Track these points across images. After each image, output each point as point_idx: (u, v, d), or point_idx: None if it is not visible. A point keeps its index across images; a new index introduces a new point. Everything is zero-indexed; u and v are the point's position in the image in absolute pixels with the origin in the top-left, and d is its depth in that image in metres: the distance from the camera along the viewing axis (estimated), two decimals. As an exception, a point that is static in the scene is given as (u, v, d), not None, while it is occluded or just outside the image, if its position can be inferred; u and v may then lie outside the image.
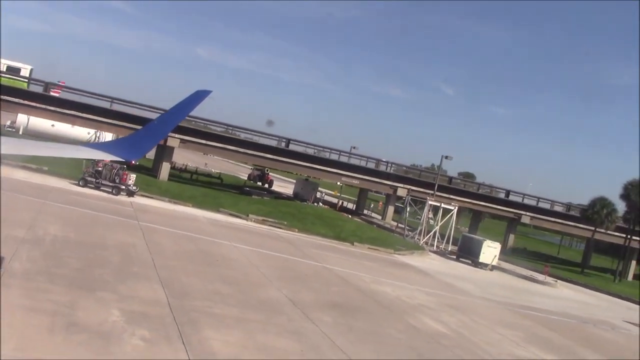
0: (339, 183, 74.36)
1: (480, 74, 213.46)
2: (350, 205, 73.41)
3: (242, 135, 68.18)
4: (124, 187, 36.81)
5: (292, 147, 64.78)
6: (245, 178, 78.25)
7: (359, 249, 38.29)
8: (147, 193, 39.39)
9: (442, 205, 50.28)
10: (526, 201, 73.46)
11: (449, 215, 50.39)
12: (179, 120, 8.70)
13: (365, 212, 73.05)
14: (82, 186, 36.21)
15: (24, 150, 9.43)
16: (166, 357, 12.55)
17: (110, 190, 36.26)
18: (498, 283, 38.34)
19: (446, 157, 57.95)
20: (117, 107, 56.68)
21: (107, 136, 75.58)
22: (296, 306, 19.10)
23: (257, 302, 18.81)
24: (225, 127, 66.21)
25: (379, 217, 67.02)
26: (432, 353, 17.57)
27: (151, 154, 72.58)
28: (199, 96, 7.83)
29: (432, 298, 26.73)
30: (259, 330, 15.72)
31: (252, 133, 65.28)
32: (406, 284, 28.80)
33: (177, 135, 57.56)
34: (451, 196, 65.14)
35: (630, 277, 71.94)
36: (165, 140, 57.54)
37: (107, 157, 8.34)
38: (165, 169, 57.11)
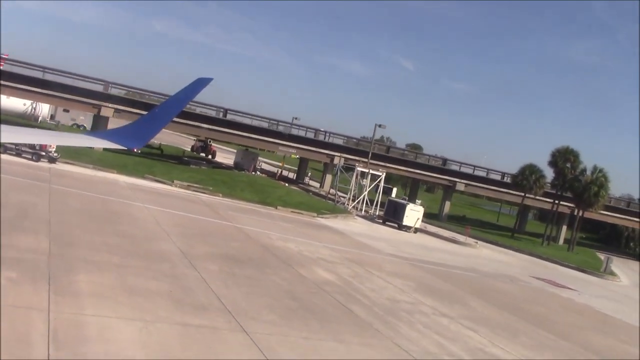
0: (276, 152, 75.02)
1: (439, 49, 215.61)
2: (292, 175, 74.48)
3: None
4: (44, 153, 36.89)
5: (230, 117, 65.22)
6: (189, 150, 78.44)
7: (281, 213, 39.35)
8: (74, 161, 39.49)
9: (371, 171, 51.60)
10: (463, 169, 75.81)
11: (377, 181, 51.82)
12: (181, 107, 8.44)
13: (307, 180, 74.27)
14: (2, 153, 36.16)
15: (22, 139, 9.37)
16: (26, 295, 13.28)
17: (31, 157, 36.34)
18: (415, 243, 39.99)
19: (380, 126, 59.16)
20: (62, 80, 56.72)
21: (44, 107, 74.73)
22: (185, 257, 20.00)
23: (145, 252, 19.61)
24: (164, 97, 66.12)
25: (318, 186, 68.35)
26: (308, 296, 18.70)
27: (88, 125, 72.35)
28: (200, 83, 7.84)
29: (336, 254, 27.95)
30: (134, 274, 16.55)
31: (190, 103, 65.43)
32: (315, 242, 29.99)
33: (110, 105, 57.52)
34: (388, 164, 66.85)
35: (561, 241, 75.25)
36: (99, 110, 57.55)
37: (109, 145, 7.88)
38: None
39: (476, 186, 73.34)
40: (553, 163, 66.98)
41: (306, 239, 30.53)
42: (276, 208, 40.19)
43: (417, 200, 57.36)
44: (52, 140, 10.44)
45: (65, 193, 27.70)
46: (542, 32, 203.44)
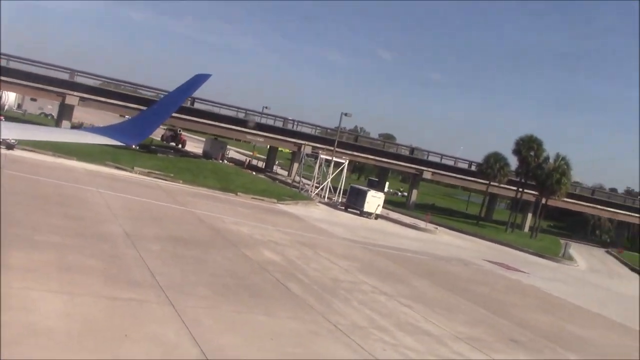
0: (242, 141, 75.37)
1: (417, 41, 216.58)
2: (263, 164, 74.88)
3: (150, 94, 68.23)
4: (1, 140, 36.75)
5: (199, 106, 65.28)
6: (159, 139, 78.36)
7: (241, 199, 39.74)
8: (33, 147, 39.38)
9: (334, 159, 52.17)
10: (431, 158, 76.86)
11: (339, 169, 52.43)
12: (179, 103, 8.42)
13: (275, 169, 74.65)
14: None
15: (24, 135, 9.45)
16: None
17: (-12, 143, 36.24)
18: (373, 228, 40.68)
19: (345, 115, 59.64)
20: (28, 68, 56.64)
21: (11, 96, 74.03)
22: (129, 238, 20.32)
23: (89, 233, 19.91)
24: (133, 86, 66.07)
25: (286, 174, 68.80)
26: (248, 274, 19.17)
27: (56, 114, 71.79)
28: (198, 79, 7.82)
29: (288, 237, 28.46)
30: (72, 253, 16.86)
31: (156, 91, 65.50)
32: (269, 226, 30.46)
33: (75, 93, 57.31)
34: (355, 153, 67.58)
35: (526, 229, 76.62)
36: (64, 98, 57.27)
37: (107, 142, 7.69)
38: (64, 127, 56.77)
39: (443, 174, 74.38)
40: (517, 151, 68.24)
41: (261, 223, 30.99)
42: (237, 195, 40.56)
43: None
44: (48, 136, 10.34)
45: (16, 178, 27.74)
46: (520, 24, 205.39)
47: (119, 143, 7.87)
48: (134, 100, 61.74)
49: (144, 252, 18.58)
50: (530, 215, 78.58)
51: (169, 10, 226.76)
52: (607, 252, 78.01)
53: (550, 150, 69.90)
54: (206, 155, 67.75)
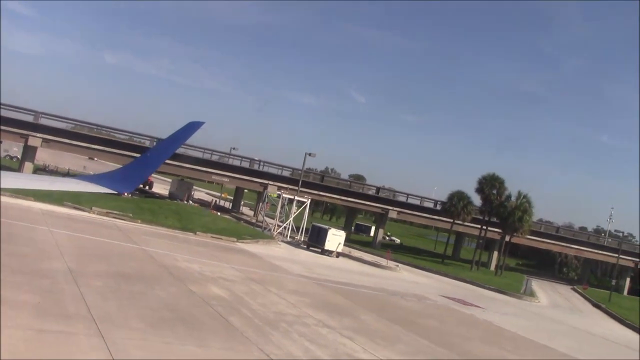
0: (207, 181, 75.60)
1: (391, 83, 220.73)
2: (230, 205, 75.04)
3: (122, 137, 68.62)
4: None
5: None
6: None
7: (200, 238, 39.86)
8: (-9, 189, 39.28)
9: (296, 198, 52.68)
10: (398, 197, 77.85)
11: (302, 207, 52.89)
12: (172, 151, 8.58)
13: (242, 209, 74.86)
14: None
15: (17, 184, 9.37)
16: None
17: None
18: (332, 266, 40.98)
19: (309, 154, 60.43)
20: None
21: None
22: (71, 274, 20.38)
23: (31, 270, 19.94)
24: (97, 127, 66.44)
25: (252, 214, 69.07)
26: (188, 308, 19.33)
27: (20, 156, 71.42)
28: (191, 127, 7.94)
29: (240, 274, 28.64)
30: (9, 288, 16.93)
31: (124, 133, 66.00)
32: (223, 264, 30.63)
33: (39, 135, 57.38)
34: (321, 192, 68.17)
35: (492, 266, 77.35)
36: (27, 140, 57.24)
37: (100, 190, 7.90)
38: (27, 168, 56.74)
39: (408, 214, 75.20)
40: (480, 190, 69.43)
41: (215, 260, 31.14)
42: (196, 234, 40.68)
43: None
44: (44, 185, 10.33)
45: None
46: (492, 64, 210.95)
47: (111, 191, 8.01)
48: (94, 140, 62.20)
49: (84, 288, 18.68)
50: (496, 253, 79.47)
51: (142, 53, 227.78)
52: (573, 288, 78.99)
53: (525, 189, 71.26)
54: (172, 196, 67.82)
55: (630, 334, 43.96)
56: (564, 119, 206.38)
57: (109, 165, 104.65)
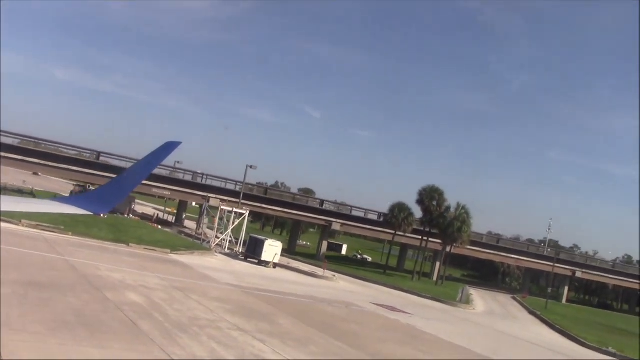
0: (159, 196, 75.32)
1: (345, 99, 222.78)
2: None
3: (72, 153, 67.91)
4: None
5: (105, 160, 65.38)
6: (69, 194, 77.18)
7: (131, 250, 39.73)
8: None
9: (235, 210, 52.96)
10: (342, 210, 78.84)
11: (240, 219, 53.20)
12: (149, 172, 8.47)
13: (184, 222, 74.59)
14: None
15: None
16: None
17: None
18: (265, 276, 41.34)
19: (251, 167, 60.86)
20: None
21: None
22: (-21, 282, 20.32)
23: (-64, 278, 19.82)
24: (44, 142, 65.64)
25: (194, 228, 68.91)
26: (97, 314, 19.44)
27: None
28: (169, 147, 7.85)
29: (164, 283, 28.73)
30: None
31: (78, 149, 65.59)
32: (149, 273, 30.68)
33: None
34: (263, 205, 68.53)
35: (435, 277, 78.85)
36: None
37: (76, 211, 7.74)
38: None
39: (352, 225, 76.23)
40: (420, 201, 71.06)
41: (141, 270, 31.15)
42: (128, 245, 40.52)
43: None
44: (19, 206, 10.13)
45: None
46: (438, 82, 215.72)
47: (88, 212, 7.83)
48: (50, 158, 61.77)
49: (-11, 295, 18.63)
50: (438, 264, 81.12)
51: (97, 68, 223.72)
52: (513, 297, 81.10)
53: (475, 202, 73.21)
54: (114, 210, 67.19)
55: (558, 338, 45.65)
56: (511, 135, 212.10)
57: (53, 181, 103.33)
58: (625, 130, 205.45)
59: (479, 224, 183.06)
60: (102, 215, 38.14)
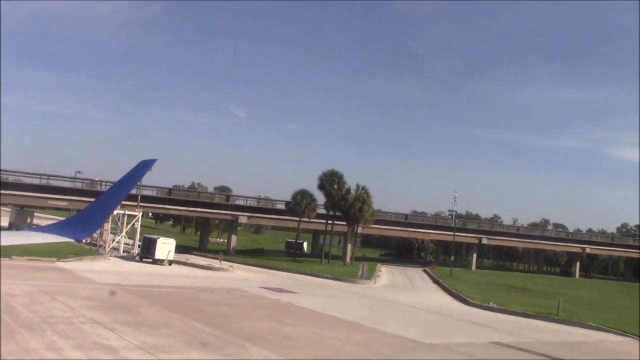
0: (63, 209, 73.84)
1: (272, 96, 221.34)
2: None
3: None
4: None
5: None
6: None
7: (12, 261, 39.21)
8: None
9: (127, 212, 52.97)
10: (250, 203, 79.70)
11: (134, 221, 53.30)
12: (127, 191, 8.45)
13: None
14: None
15: None
16: None
17: None
18: (154, 273, 41.88)
19: (150, 170, 60.57)
20: None
21: None
22: None
23: None
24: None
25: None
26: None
27: None
28: (144, 165, 7.83)
29: (33, 289, 28.84)
30: None
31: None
32: (19, 281, 30.60)
33: None
34: (166, 206, 68.54)
35: (348, 259, 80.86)
36: None
37: (57, 239, 7.58)
38: None
39: (259, 217, 77.28)
40: (321, 187, 72.76)
41: (12, 279, 31.05)
42: (11, 258, 40.01)
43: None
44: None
45: None
46: (368, 68, 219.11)
47: (68, 239, 7.86)
48: None
49: None
50: (349, 246, 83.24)
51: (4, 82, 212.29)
52: (424, 270, 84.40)
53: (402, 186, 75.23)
54: (12, 225, 65.73)
55: (449, 300, 48.41)
56: (437, 117, 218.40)
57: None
58: (541, 102, 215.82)
59: (406, 205, 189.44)
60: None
